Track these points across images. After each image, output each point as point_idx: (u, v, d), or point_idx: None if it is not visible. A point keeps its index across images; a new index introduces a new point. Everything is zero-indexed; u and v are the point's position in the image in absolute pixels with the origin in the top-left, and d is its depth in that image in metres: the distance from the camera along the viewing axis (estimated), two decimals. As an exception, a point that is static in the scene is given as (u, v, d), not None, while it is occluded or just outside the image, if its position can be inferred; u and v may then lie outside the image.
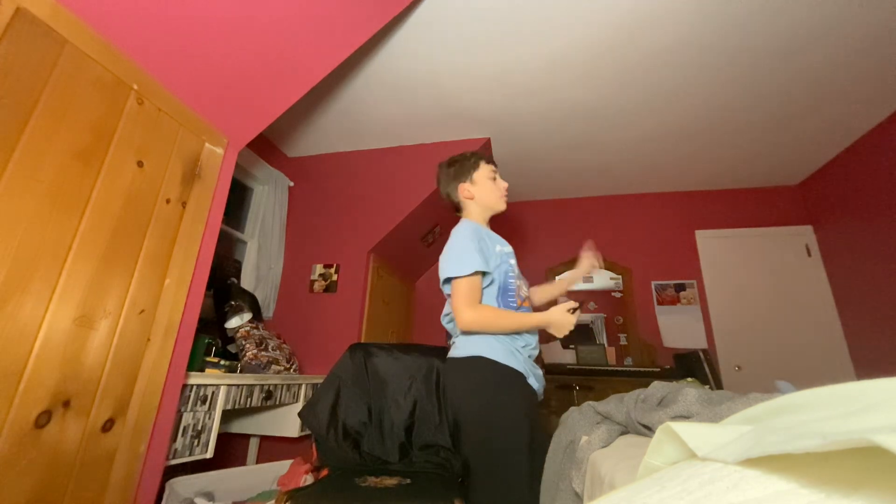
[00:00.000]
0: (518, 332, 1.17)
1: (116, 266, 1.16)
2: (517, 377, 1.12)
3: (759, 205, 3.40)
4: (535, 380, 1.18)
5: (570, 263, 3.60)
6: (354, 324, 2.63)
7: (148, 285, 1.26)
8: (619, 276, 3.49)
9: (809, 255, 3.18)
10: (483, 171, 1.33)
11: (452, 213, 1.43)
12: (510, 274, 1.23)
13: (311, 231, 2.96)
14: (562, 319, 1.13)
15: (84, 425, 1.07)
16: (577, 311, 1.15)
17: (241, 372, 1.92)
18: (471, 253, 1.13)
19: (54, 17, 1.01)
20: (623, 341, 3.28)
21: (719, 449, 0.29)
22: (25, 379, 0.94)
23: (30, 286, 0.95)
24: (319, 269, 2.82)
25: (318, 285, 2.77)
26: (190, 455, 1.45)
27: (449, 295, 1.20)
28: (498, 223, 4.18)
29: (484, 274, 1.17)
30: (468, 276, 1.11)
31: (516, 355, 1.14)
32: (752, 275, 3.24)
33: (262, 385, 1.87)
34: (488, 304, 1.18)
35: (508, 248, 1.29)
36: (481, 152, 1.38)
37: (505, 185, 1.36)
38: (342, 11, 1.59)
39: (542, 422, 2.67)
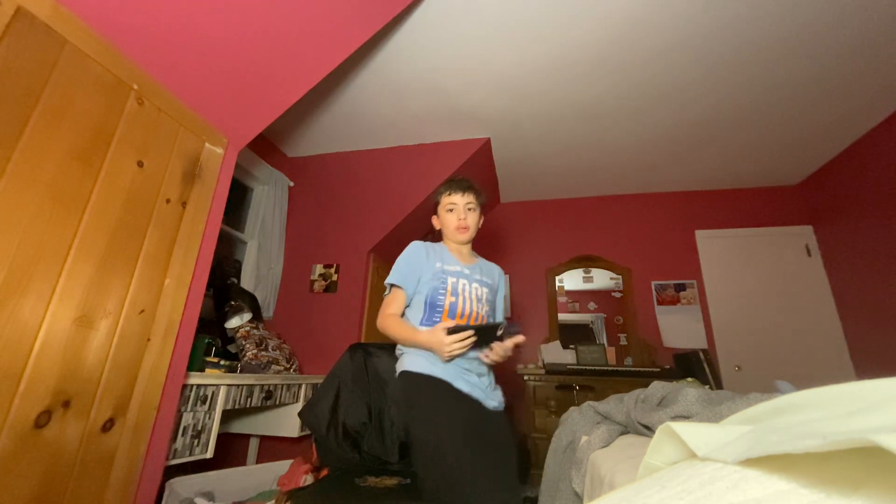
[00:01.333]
0: (412, 346, 1.20)
1: (116, 266, 1.16)
2: (440, 383, 1.13)
3: (759, 205, 3.39)
4: (465, 384, 1.17)
5: (570, 263, 3.60)
6: (354, 324, 2.63)
7: (148, 285, 1.26)
8: (619, 276, 3.49)
9: (809, 255, 3.18)
10: (442, 204, 1.37)
11: None
12: (440, 291, 1.24)
13: (311, 231, 2.96)
14: (434, 340, 1.09)
15: (84, 425, 1.07)
16: (468, 338, 1.07)
17: (241, 372, 1.92)
18: (392, 273, 1.29)
19: (54, 17, 1.01)
20: (623, 341, 3.28)
21: (719, 449, 0.29)
22: (25, 379, 0.94)
23: (30, 286, 0.95)
24: (319, 269, 2.81)
25: (318, 285, 2.77)
26: (190, 455, 1.45)
27: None
28: (498, 223, 4.15)
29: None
30: (390, 291, 1.30)
31: (437, 364, 1.16)
32: (752, 275, 3.24)
33: (262, 385, 1.87)
34: (413, 313, 1.27)
35: (455, 268, 1.28)
36: (452, 180, 1.38)
37: (461, 217, 1.32)
38: (342, 11, 1.59)
39: (542, 422, 2.69)
